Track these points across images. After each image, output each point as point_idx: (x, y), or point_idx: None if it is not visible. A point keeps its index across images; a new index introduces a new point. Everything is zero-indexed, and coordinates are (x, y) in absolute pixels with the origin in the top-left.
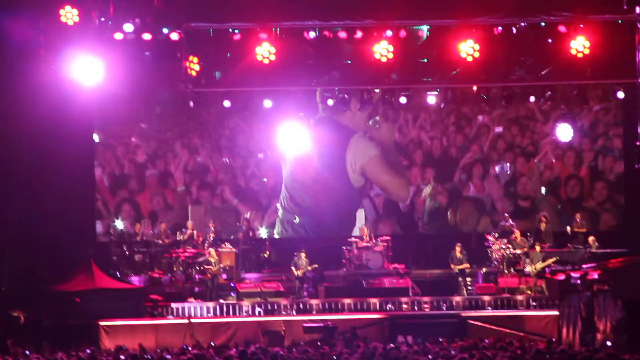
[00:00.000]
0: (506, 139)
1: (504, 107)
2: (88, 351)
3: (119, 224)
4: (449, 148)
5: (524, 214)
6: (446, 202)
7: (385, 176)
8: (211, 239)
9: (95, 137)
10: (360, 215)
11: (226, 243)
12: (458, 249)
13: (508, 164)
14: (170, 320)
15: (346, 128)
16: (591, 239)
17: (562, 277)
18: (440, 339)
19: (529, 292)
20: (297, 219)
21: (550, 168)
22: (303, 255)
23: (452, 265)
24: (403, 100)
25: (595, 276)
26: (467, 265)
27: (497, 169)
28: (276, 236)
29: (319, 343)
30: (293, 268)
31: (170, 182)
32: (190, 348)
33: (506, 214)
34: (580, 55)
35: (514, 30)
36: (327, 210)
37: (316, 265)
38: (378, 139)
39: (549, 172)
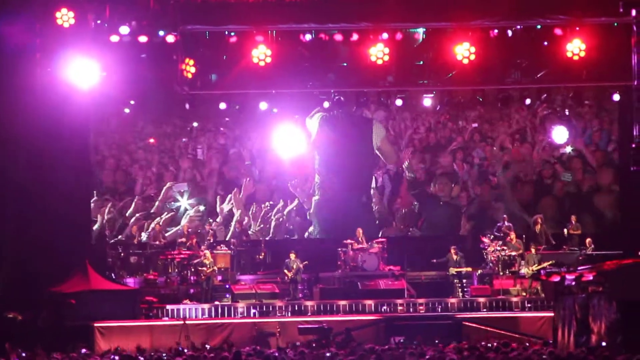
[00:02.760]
0: (480, 133)
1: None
2: (83, 351)
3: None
4: (440, 139)
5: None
6: (422, 175)
7: (388, 148)
8: (211, 240)
9: (195, 123)
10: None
11: (221, 245)
12: (453, 251)
13: (480, 150)
14: (166, 322)
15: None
16: (588, 240)
17: (557, 278)
18: (436, 341)
19: (524, 293)
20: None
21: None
22: (293, 256)
23: (450, 268)
24: (399, 102)
25: (590, 278)
26: (469, 268)
27: (474, 154)
28: (316, 198)
29: (313, 344)
30: (285, 271)
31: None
32: (185, 350)
33: (505, 216)
34: (576, 57)
35: (510, 33)
36: (352, 175)
37: (306, 262)
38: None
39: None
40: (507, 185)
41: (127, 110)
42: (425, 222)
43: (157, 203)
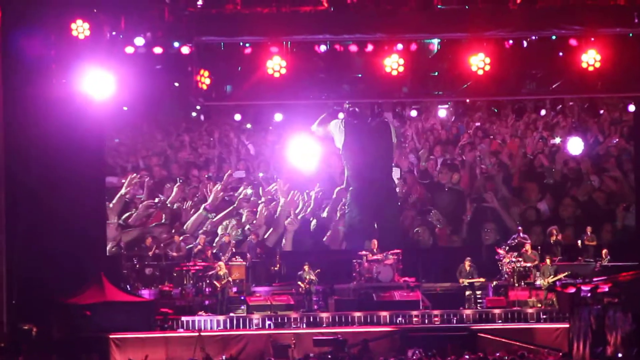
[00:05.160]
0: (483, 129)
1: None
2: None
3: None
4: (451, 135)
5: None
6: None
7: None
8: (231, 252)
9: (248, 125)
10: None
11: (237, 256)
12: (467, 263)
13: (484, 145)
14: (181, 334)
15: None
16: (604, 251)
17: (572, 290)
18: (450, 352)
19: (539, 305)
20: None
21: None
22: (306, 267)
23: (460, 279)
24: (414, 113)
25: (606, 289)
26: (482, 279)
27: (479, 147)
28: (351, 188)
29: (329, 356)
30: (299, 282)
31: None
32: None
33: (519, 227)
34: (591, 68)
35: (525, 44)
36: (379, 166)
37: (318, 270)
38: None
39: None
40: (499, 172)
41: (194, 114)
42: (433, 205)
43: (218, 187)
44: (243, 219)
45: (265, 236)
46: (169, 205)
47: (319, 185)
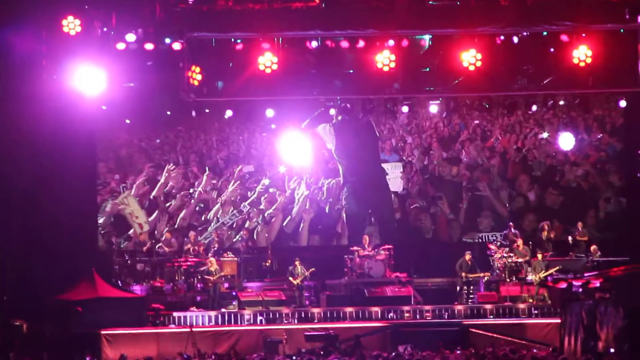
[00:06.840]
0: (481, 127)
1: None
2: (88, 359)
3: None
4: (452, 132)
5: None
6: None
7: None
8: (215, 247)
9: (273, 125)
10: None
11: (228, 252)
12: (468, 256)
13: (479, 140)
14: (172, 329)
15: None
16: (593, 247)
17: (564, 285)
18: (442, 348)
19: (530, 300)
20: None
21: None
22: (298, 263)
23: (462, 273)
24: (405, 109)
25: (597, 284)
26: (487, 273)
27: (475, 142)
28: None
29: (321, 352)
30: (290, 278)
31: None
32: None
33: (510, 223)
34: (582, 64)
35: (516, 40)
36: (370, 162)
37: (313, 269)
38: None
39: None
40: (494, 165)
41: (226, 117)
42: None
43: (231, 182)
44: (262, 206)
45: (284, 224)
46: (201, 191)
47: (339, 177)
